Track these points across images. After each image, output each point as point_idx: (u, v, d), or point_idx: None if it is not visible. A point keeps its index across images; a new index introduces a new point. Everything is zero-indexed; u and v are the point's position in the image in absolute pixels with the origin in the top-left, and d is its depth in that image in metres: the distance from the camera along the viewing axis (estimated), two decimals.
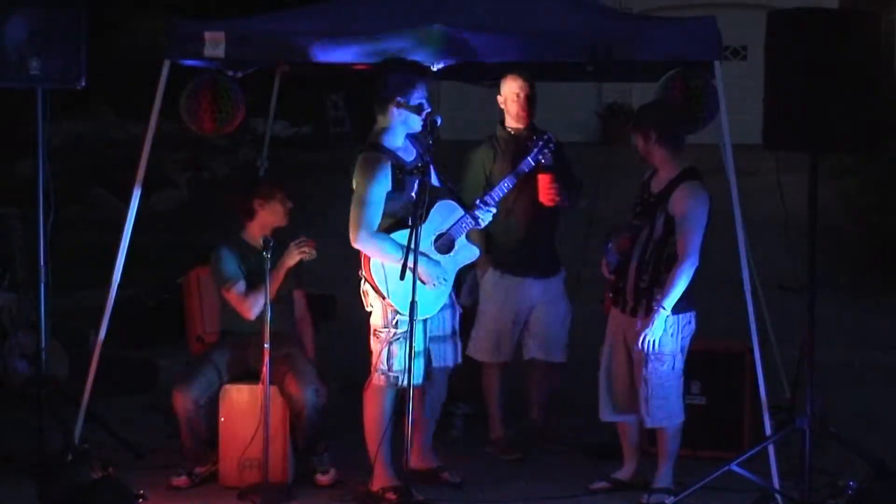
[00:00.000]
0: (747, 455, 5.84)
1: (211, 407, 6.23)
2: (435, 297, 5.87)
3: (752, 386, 6.29)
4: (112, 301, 6.51)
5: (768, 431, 5.96)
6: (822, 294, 5.87)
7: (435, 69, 6.48)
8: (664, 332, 5.83)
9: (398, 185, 5.77)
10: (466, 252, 6.01)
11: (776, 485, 5.85)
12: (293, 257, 6.30)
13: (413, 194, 5.69)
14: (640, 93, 16.67)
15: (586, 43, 6.22)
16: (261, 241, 6.16)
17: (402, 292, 5.62)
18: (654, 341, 5.78)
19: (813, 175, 5.70)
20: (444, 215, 5.89)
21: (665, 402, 5.93)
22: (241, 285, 6.31)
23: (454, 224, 5.90)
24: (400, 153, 5.82)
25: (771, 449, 5.90)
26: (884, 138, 5.73)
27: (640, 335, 5.80)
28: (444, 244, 5.91)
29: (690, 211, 5.79)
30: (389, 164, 5.75)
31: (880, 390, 8.14)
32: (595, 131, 18.64)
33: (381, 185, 5.73)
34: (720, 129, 6.22)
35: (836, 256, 11.77)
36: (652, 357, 5.85)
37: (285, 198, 6.42)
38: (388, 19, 6.38)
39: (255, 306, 6.24)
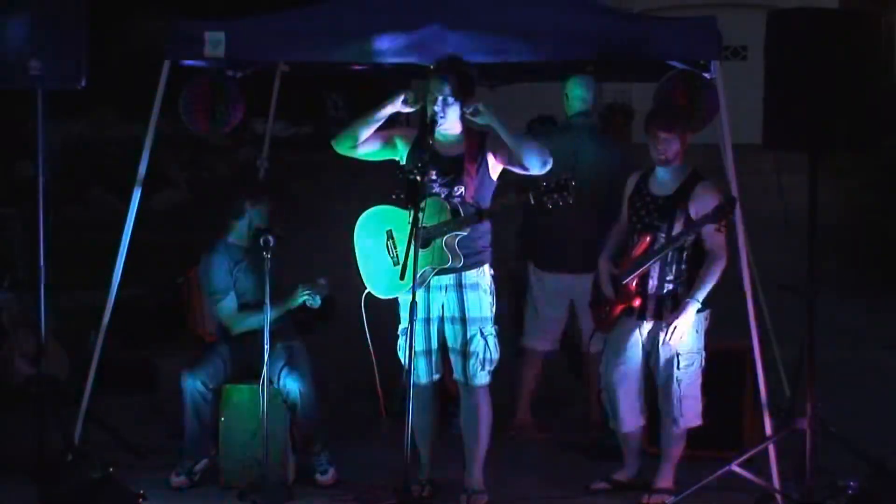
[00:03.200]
0: (747, 455, 5.85)
1: (216, 396, 6.24)
2: (389, 279, 5.86)
3: (752, 386, 6.30)
4: (112, 301, 6.51)
5: (768, 431, 5.96)
6: (822, 294, 5.87)
7: None
8: (693, 330, 5.89)
9: (399, 184, 5.81)
10: (438, 255, 5.79)
11: (776, 485, 5.85)
12: (296, 300, 6.32)
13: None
14: (640, 93, 16.67)
15: (587, 43, 6.22)
16: (248, 242, 6.20)
17: (368, 271, 5.92)
18: (682, 335, 5.82)
19: (813, 175, 5.70)
20: (429, 212, 5.79)
21: (695, 402, 5.99)
22: (230, 300, 6.33)
23: (436, 224, 5.80)
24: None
25: (771, 449, 5.90)
26: (884, 138, 5.73)
27: (670, 328, 5.81)
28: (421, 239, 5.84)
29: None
30: (412, 136, 5.95)
31: (880, 390, 8.14)
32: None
33: (397, 130, 6.04)
34: (720, 129, 6.23)
35: (836, 256, 11.77)
36: (683, 357, 5.89)
37: (271, 199, 6.44)
38: (387, 19, 6.38)
39: (238, 327, 6.31)
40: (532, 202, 5.72)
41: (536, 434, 7.14)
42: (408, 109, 5.91)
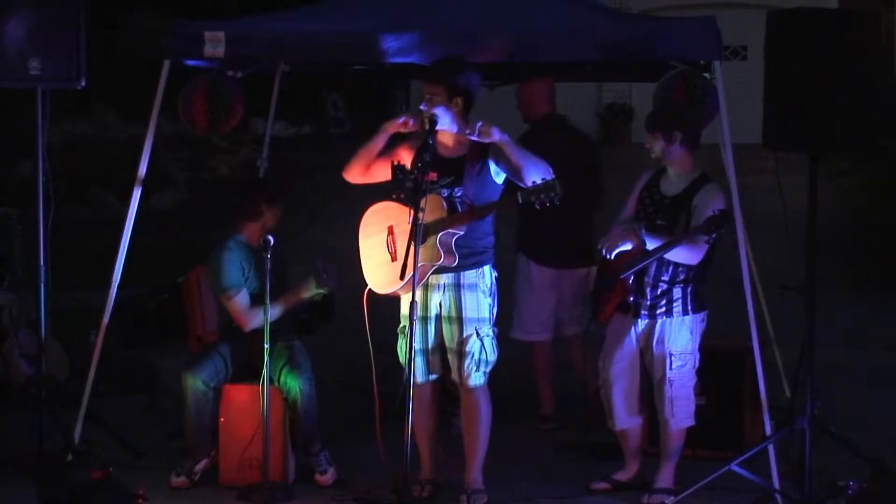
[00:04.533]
0: (747, 455, 5.85)
1: (217, 395, 6.24)
2: (385, 274, 5.88)
3: (752, 386, 6.29)
4: (112, 301, 6.50)
5: (768, 431, 5.96)
6: (822, 294, 5.87)
7: None
8: (687, 331, 5.89)
9: (397, 184, 5.82)
10: (432, 252, 5.76)
11: (776, 485, 5.85)
12: (309, 291, 6.33)
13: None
14: (640, 93, 16.71)
15: (587, 43, 6.23)
16: (257, 243, 6.20)
17: (368, 267, 5.95)
18: (605, 248, 5.86)
19: (813, 175, 5.70)
20: (428, 209, 5.74)
21: (688, 402, 5.98)
22: (243, 296, 6.31)
23: (434, 221, 5.77)
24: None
25: (771, 449, 5.90)
26: (884, 138, 5.74)
27: (604, 246, 5.86)
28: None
29: (714, 208, 5.83)
30: (412, 149, 5.95)
31: (880, 390, 8.14)
32: (595, 131, 18.66)
33: (401, 144, 6.03)
34: (720, 129, 6.23)
35: (836, 256, 11.77)
36: (676, 358, 5.90)
37: (282, 202, 6.46)
38: (387, 19, 6.38)
39: (253, 322, 6.26)
40: (520, 202, 5.73)
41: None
42: (409, 127, 5.91)
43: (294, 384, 6.18)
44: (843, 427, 5.99)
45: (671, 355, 5.92)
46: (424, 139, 5.80)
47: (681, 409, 5.97)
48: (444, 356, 6.01)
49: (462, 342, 5.88)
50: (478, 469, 6.01)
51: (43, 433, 6.22)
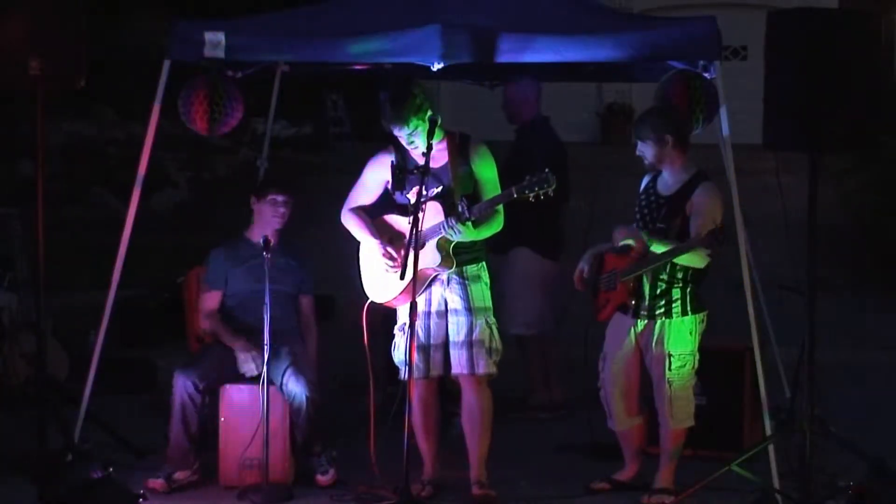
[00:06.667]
0: (747, 455, 5.85)
1: (206, 400, 6.22)
2: (385, 284, 5.90)
3: (752, 386, 6.30)
4: (112, 301, 6.51)
5: (768, 431, 5.96)
6: (822, 294, 5.87)
7: (435, 69, 6.48)
8: (687, 332, 5.88)
9: (398, 185, 5.84)
10: (430, 256, 5.85)
11: (776, 485, 5.85)
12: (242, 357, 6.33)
13: (410, 195, 5.75)
14: (640, 93, 16.70)
15: (588, 43, 6.23)
16: (261, 241, 6.20)
17: (368, 278, 6.01)
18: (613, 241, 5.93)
19: (813, 175, 5.70)
20: (429, 216, 5.83)
21: (687, 403, 5.98)
22: (213, 297, 6.43)
23: (432, 226, 5.84)
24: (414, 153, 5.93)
25: (771, 449, 5.90)
26: (884, 138, 5.73)
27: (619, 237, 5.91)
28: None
29: (711, 208, 5.84)
30: (391, 158, 5.96)
31: (880, 390, 8.14)
32: (595, 131, 18.66)
33: (375, 171, 6.05)
34: (720, 129, 6.23)
35: (836, 256, 11.78)
36: (675, 358, 5.89)
37: (277, 197, 6.44)
38: (387, 19, 6.38)
39: (204, 323, 6.41)
40: (515, 196, 5.76)
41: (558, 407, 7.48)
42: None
43: (298, 390, 6.17)
44: (843, 427, 5.98)
45: (670, 356, 5.92)
46: (428, 143, 5.80)
47: (680, 410, 5.97)
48: (445, 354, 6.01)
49: (471, 331, 5.91)
50: (483, 463, 6.05)
51: (43, 433, 6.21)
